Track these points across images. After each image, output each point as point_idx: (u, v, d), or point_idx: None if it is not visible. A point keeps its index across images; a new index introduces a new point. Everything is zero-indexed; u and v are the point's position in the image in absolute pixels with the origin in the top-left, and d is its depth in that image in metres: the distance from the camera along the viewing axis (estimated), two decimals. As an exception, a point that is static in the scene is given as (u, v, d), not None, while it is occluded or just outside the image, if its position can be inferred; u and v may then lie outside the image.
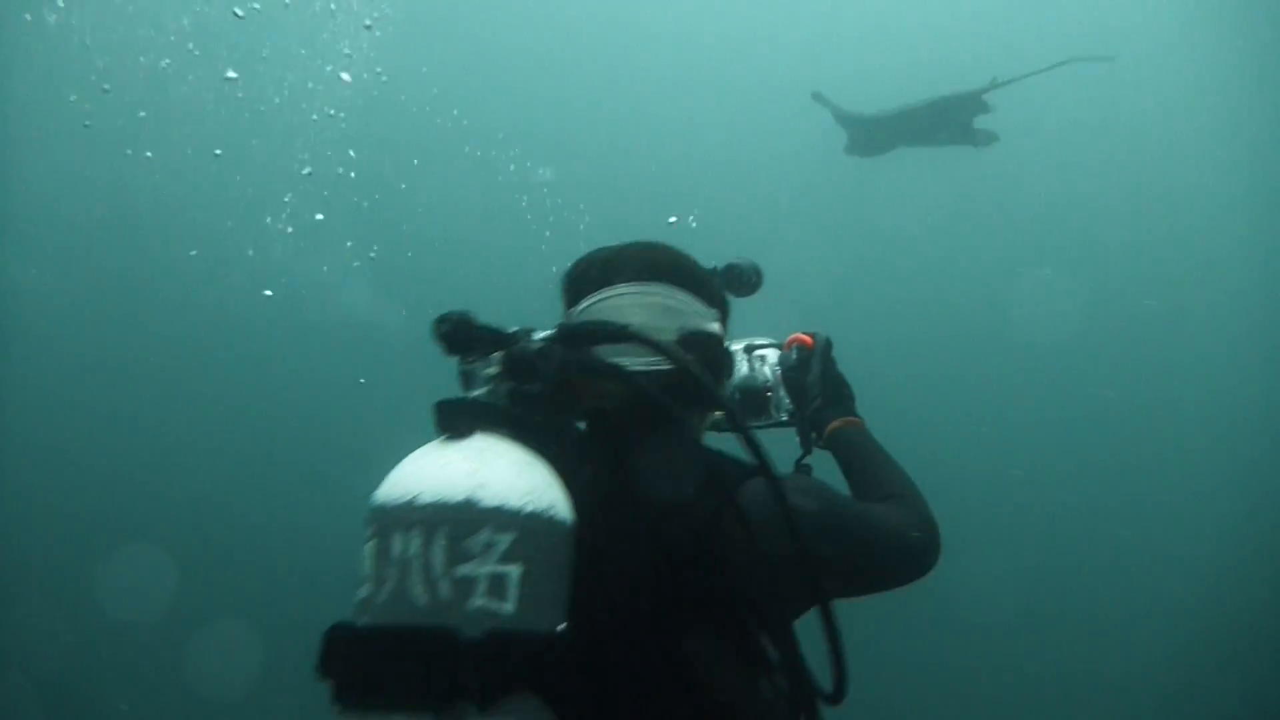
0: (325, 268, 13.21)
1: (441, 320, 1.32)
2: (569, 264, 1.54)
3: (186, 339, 13.54)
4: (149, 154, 13.27)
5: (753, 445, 1.22)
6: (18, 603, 10.15)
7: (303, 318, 13.82)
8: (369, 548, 1.10)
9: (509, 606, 1.03)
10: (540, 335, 1.30)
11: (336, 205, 13.12)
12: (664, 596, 1.22)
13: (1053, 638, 10.56)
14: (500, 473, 1.08)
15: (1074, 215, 15.13)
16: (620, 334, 1.27)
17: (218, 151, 13.00)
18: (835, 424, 1.70)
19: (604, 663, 1.13)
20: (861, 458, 1.64)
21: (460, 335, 1.30)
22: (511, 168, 14.62)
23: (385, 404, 14.41)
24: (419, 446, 1.22)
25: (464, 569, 1.03)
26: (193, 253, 13.83)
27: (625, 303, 1.40)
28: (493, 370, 1.27)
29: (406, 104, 14.25)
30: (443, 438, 1.19)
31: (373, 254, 13.61)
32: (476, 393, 1.28)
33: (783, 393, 1.73)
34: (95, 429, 12.68)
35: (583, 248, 1.52)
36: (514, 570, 1.04)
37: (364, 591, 1.08)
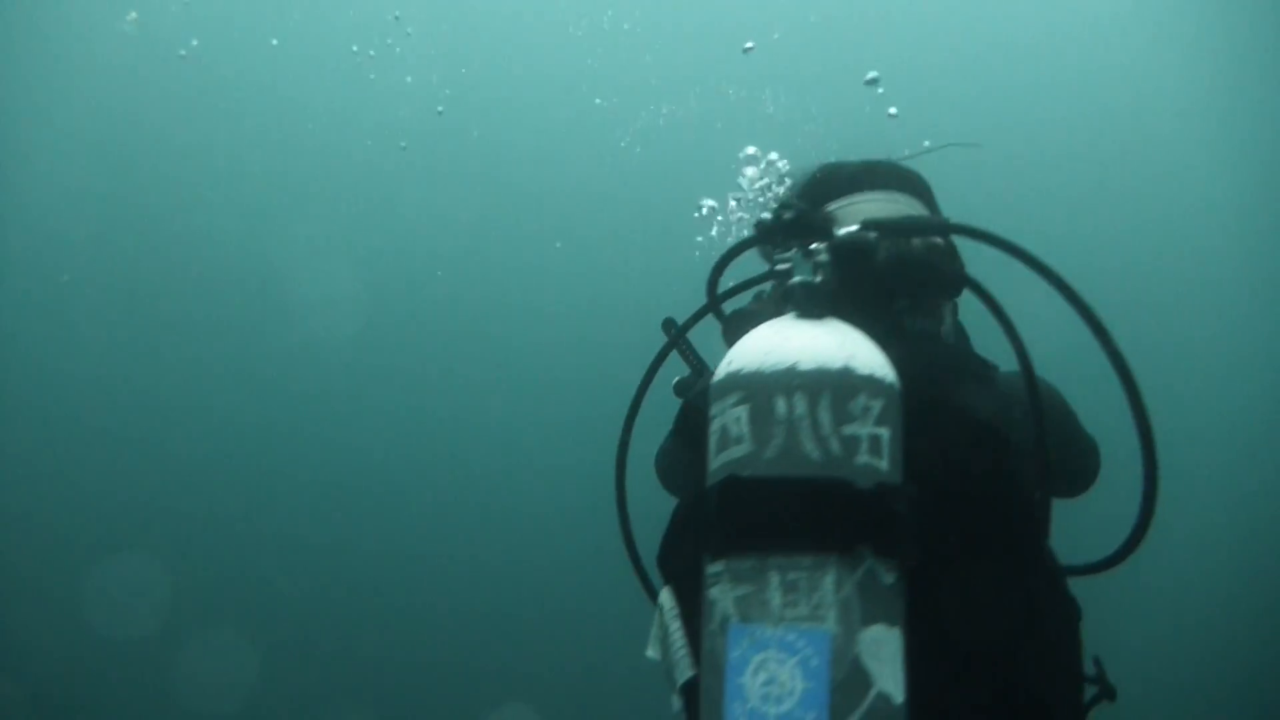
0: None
1: (785, 206, 1.42)
2: (800, 175, 1.68)
3: (178, 345, 13.52)
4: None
5: (1015, 339, 1.37)
6: (7, 611, 10.10)
7: (296, 325, 13.81)
8: (739, 412, 1.18)
9: (885, 464, 1.16)
10: (851, 230, 1.42)
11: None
12: (985, 462, 1.36)
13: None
14: (862, 347, 1.21)
15: (1065, 221, 15.17)
16: (945, 227, 1.43)
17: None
18: None
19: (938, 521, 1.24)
20: None
21: (801, 223, 1.41)
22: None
23: (383, 414, 14.46)
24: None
25: (848, 429, 1.14)
26: (195, 256, 13.81)
27: (874, 208, 1.58)
28: (823, 258, 1.38)
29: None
30: (792, 317, 1.29)
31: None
32: (819, 279, 1.37)
33: None
34: (85, 436, 12.65)
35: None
36: (885, 432, 1.17)
37: (740, 451, 1.17)
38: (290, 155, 14.86)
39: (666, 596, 1.41)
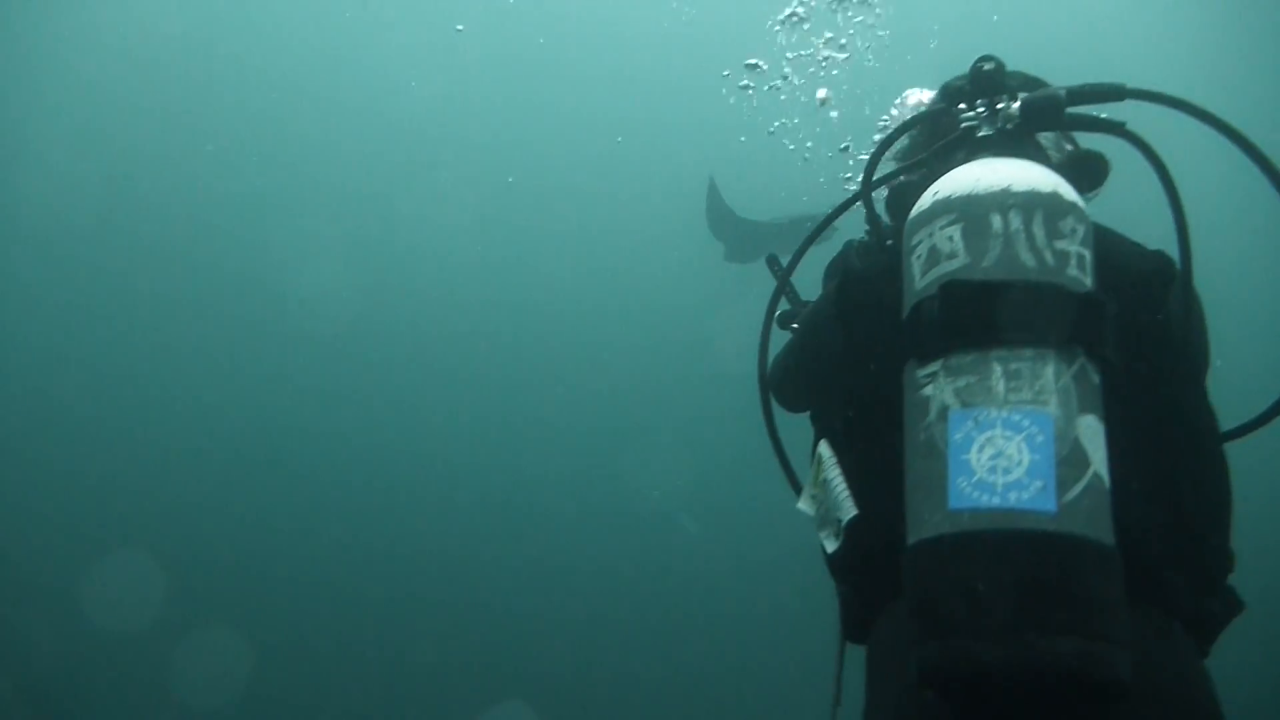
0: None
1: (985, 59, 1.55)
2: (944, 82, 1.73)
3: (179, 343, 13.51)
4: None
5: (1180, 215, 1.44)
6: (4, 609, 10.09)
7: (297, 325, 13.81)
8: (951, 231, 1.30)
9: (1089, 281, 1.28)
10: (1046, 92, 1.53)
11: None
12: (1155, 302, 1.45)
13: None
14: (1063, 179, 1.34)
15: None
16: (1119, 92, 1.49)
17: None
18: None
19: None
20: None
21: (995, 78, 1.54)
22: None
23: (378, 411, 14.45)
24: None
25: (1059, 244, 1.27)
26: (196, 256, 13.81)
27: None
28: (1014, 112, 1.51)
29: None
30: (991, 155, 1.42)
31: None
32: (1009, 128, 1.52)
33: None
34: (83, 436, 12.64)
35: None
36: (1088, 254, 1.30)
37: (955, 263, 1.29)
38: (289, 150, 14.86)
39: (825, 448, 1.54)
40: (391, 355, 14.29)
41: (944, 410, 1.24)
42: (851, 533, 1.46)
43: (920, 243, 1.34)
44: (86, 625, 10.07)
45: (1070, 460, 1.18)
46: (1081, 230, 1.30)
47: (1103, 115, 1.51)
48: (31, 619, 9.92)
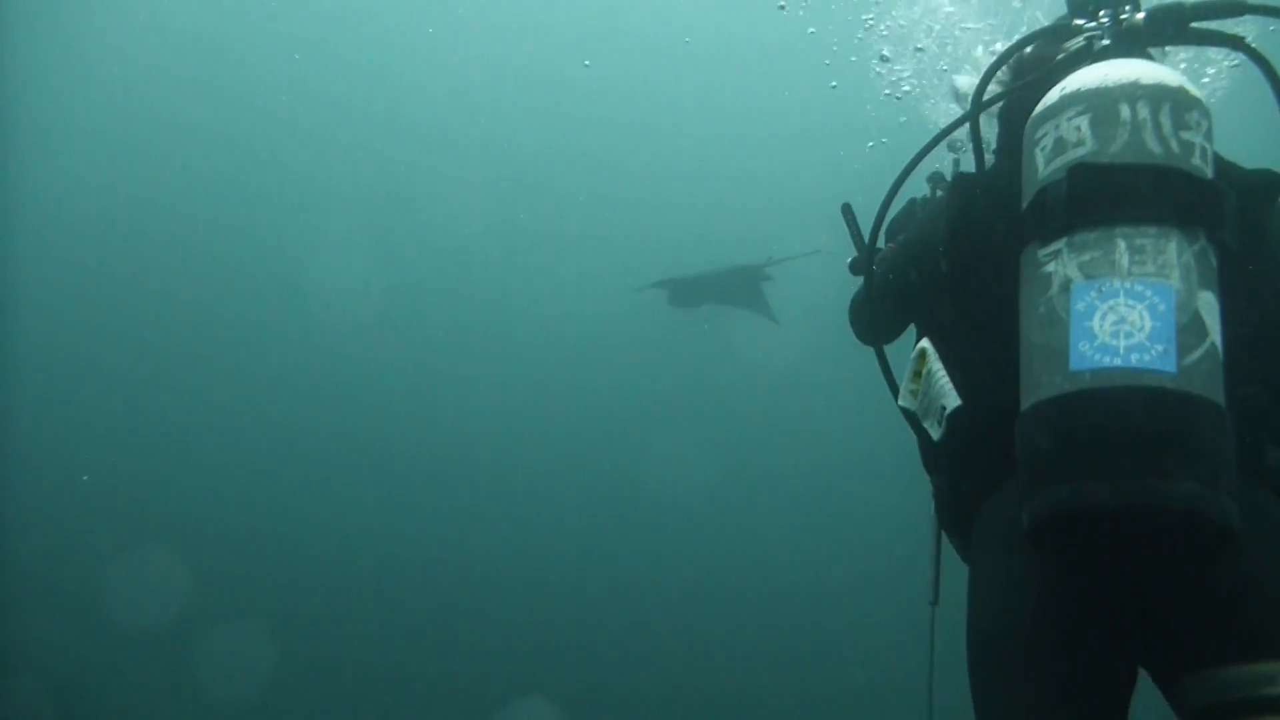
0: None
1: None
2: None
3: (197, 343, 13.56)
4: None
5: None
6: (29, 607, 10.15)
7: (318, 322, 13.84)
8: (1079, 121, 1.37)
9: (1210, 172, 1.34)
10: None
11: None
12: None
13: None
14: (1187, 78, 1.39)
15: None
16: (1240, 7, 1.53)
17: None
18: None
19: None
20: None
21: None
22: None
23: (399, 411, 14.47)
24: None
25: (1185, 135, 1.33)
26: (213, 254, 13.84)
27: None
28: (1138, 21, 1.55)
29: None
30: (1128, 57, 1.48)
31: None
32: (1131, 38, 1.57)
33: None
34: (104, 434, 12.70)
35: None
36: (1210, 147, 1.36)
37: (1082, 150, 1.36)
38: (308, 151, 14.90)
39: (927, 344, 1.66)
40: (412, 354, 14.32)
41: (1067, 283, 1.32)
42: (954, 420, 1.56)
43: (1045, 135, 1.41)
44: (111, 624, 10.11)
45: (1190, 329, 1.26)
46: (1205, 125, 1.36)
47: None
48: (57, 619, 9.98)
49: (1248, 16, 1.55)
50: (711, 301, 10.44)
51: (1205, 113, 1.37)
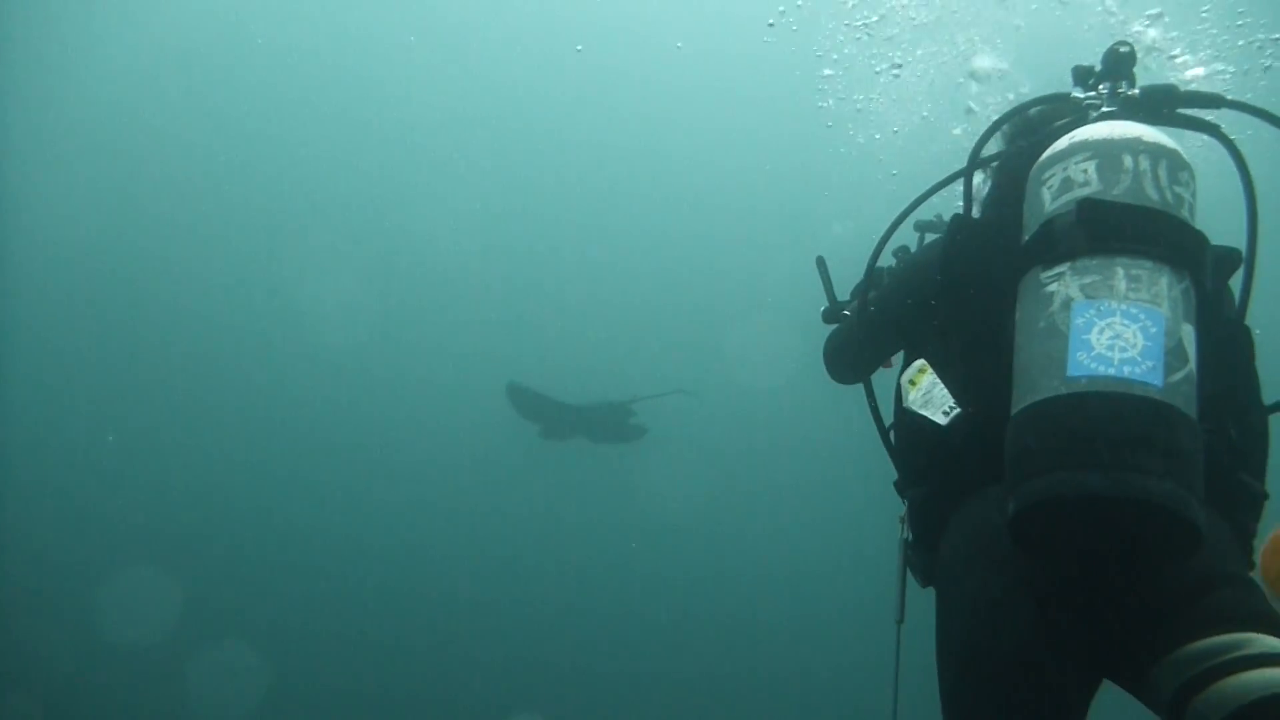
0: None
1: (1121, 43, 1.78)
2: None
3: (190, 362, 13.54)
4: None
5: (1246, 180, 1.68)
6: (20, 623, 10.11)
7: (309, 338, 13.83)
8: (1087, 165, 1.55)
9: (1196, 226, 1.51)
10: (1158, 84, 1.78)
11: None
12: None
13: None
14: (1179, 144, 1.58)
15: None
16: (1218, 101, 1.72)
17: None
18: None
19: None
20: None
21: (1127, 61, 1.77)
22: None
23: (390, 421, 14.45)
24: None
25: (1177, 189, 1.51)
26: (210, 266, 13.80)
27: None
28: (1135, 95, 1.74)
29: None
30: (1128, 120, 1.64)
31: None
32: (1135, 94, 1.75)
33: None
34: (97, 451, 12.67)
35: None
36: (1195, 205, 1.52)
37: (1088, 189, 1.53)
38: (298, 161, 14.90)
39: (922, 363, 1.84)
40: (403, 367, 14.31)
41: (1068, 301, 1.48)
42: (956, 418, 1.73)
43: (1053, 175, 1.59)
44: (103, 639, 10.08)
45: (1175, 353, 1.42)
46: (1193, 185, 1.54)
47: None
48: (47, 633, 9.94)
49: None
50: (581, 434, 11.08)
51: (1192, 175, 1.55)
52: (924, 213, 2.08)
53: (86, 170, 13.41)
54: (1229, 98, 1.74)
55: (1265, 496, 1.66)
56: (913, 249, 2.16)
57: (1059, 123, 1.76)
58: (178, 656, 10.12)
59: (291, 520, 12.94)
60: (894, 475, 1.92)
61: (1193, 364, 1.43)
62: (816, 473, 13.51)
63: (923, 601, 1.76)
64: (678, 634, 12.34)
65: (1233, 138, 1.71)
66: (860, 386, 2.14)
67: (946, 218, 2.03)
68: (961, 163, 1.87)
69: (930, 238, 2.14)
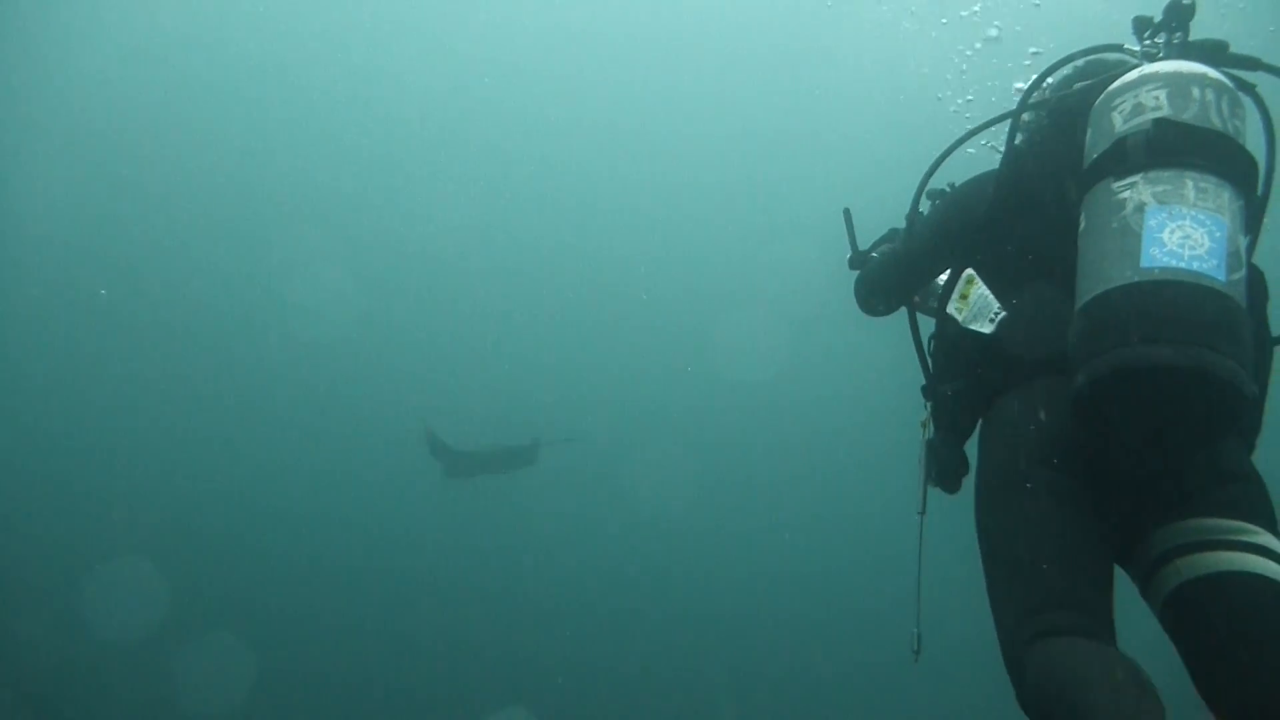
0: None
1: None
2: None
3: (175, 355, 13.50)
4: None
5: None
6: (6, 617, 10.07)
7: (299, 335, 13.80)
8: (1158, 92, 1.73)
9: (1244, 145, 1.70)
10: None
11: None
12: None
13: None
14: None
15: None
16: (1254, 63, 1.86)
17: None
18: None
19: None
20: None
21: (1187, 13, 1.90)
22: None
23: (379, 416, 14.43)
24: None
25: (1235, 121, 1.71)
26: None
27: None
28: (1187, 44, 1.89)
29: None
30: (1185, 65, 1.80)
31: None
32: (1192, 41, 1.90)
33: None
34: (83, 444, 12.62)
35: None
36: (1245, 138, 1.70)
37: (1160, 112, 1.70)
38: (290, 156, 14.86)
39: (970, 273, 1.99)
40: (393, 364, 14.30)
41: (1141, 205, 1.67)
42: (1004, 322, 1.90)
43: (1124, 101, 1.78)
44: (87, 633, 10.04)
45: (1235, 255, 1.62)
46: (1242, 116, 1.73)
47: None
48: (33, 627, 9.89)
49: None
50: (489, 471, 11.65)
51: (1246, 113, 1.75)
52: (937, 181, 2.22)
53: (78, 166, 13.35)
54: (1267, 62, 1.89)
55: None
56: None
57: (1120, 63, 1.93)
58: (165, 650, 10.09)
59: (280, 514, 12.92)
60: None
61: (1244, 270, 1.63)
62: (805, 466, 13.57)
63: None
64: (666, 627, 12.37)
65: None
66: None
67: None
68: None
69: None
